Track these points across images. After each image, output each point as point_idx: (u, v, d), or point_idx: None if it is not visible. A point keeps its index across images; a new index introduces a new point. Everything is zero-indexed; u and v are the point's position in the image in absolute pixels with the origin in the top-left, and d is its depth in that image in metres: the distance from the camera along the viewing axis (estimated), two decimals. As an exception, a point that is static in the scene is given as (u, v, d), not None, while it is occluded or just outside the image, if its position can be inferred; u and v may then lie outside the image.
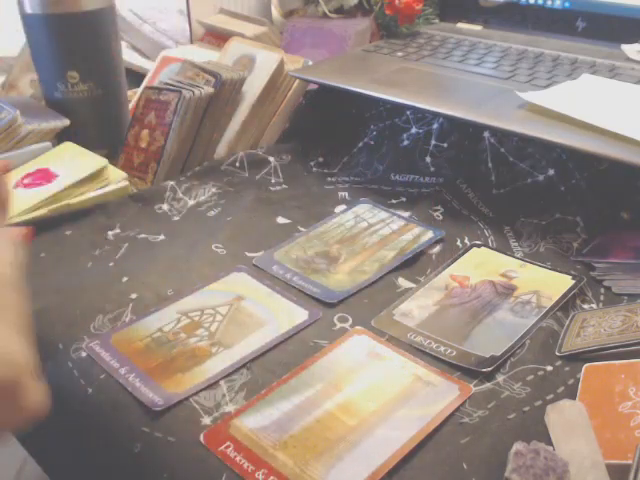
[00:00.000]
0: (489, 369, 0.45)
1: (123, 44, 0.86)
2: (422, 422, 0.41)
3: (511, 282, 0.54)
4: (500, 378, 0.45)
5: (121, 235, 0.62)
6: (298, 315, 0.51)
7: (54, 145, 0.70)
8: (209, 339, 0.48)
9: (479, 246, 0.60)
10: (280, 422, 0.41)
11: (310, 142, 0.78)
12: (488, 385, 0.45)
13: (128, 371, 0.46)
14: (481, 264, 0.57)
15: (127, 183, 0.67)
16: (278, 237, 0.62)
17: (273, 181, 0.72)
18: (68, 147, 0.70)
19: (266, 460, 0.39)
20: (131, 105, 0.80)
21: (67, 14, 0.68)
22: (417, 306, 0.52)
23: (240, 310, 0.52)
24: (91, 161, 0.66)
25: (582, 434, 0.38)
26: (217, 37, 0.94)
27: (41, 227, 0.60)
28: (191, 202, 0.67)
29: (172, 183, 0.69)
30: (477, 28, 0.90)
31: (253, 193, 0.69)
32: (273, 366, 0.46)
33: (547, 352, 0.47)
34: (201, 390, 0.44)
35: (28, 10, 0.68)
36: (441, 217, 0.65)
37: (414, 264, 0.58)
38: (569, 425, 0.39)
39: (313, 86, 0.79)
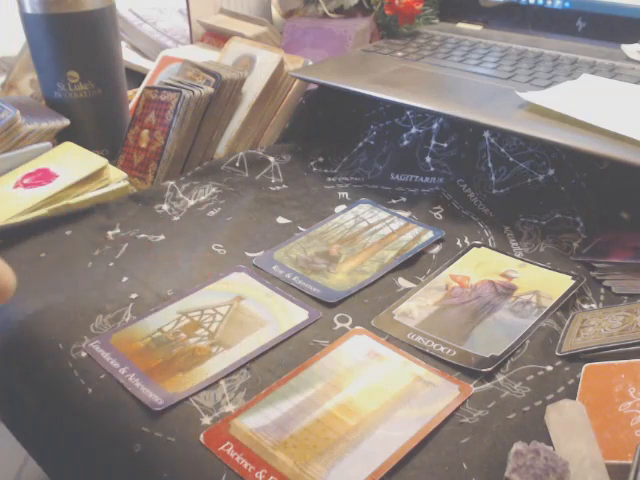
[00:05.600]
0: (489, 369, 0.45)
1: (123, 44, 0.86)
2: (422, 422, 0.41)
3: (511, 282, 0.54)
4: (500, 378, 0.45)
5: (121, 235, 0.62)
6: (298, 315, 0.51)
7: (54, 145, 0.70)
8: (209, 339, 0.48)
9: (479, 246, 0.60)
10: (280, 422, 0.41)
11: (310, 142, 0.78)
12: (488, 385, 0.45)
13: (128, 371, 0.46)
14: (481, 264, 0.57)
15: (127, 183, 0.67)
16: (278, 237, 0.62)
17: (273, 181, 0.72)
18: (68, 147, 0.70)
19: (266, 460, 0.39)
20: (131, 105, 0.80)
21: (67, 14, 0.68)
22: (417, 306, 0.52)
23: (240, 310, 0.52)
24: (91, 161, 0.66)
25: (582, 434, 0.38)
26: (217, 37, 0.94)
27: (41, 227, 0.60)
28: (191, 202, 0.67)
29: (172, 183, 0.68)
30: (477, 28, 0.90)
31: (253, 193, 0.69)
32: (273, 366, 0.46)
33: (547, 352, 0.47)
34: (201, 390, 0.44)
35: (28, 10, 0.68)
36: (441, 217, 0.65)
37: (414, 264, 0.58)
38: (569, 425, 0.39)
39: (313, 86, 0.79)
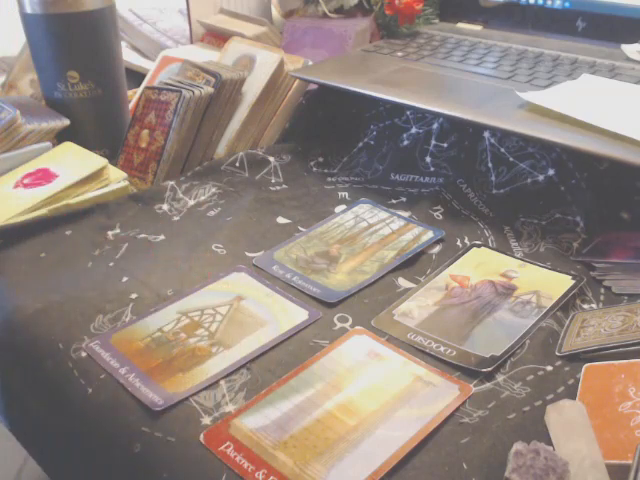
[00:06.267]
0: (489, 369, 0.45)
1: (123, 44, 0.86)
2: (422, 422, 0.41)
3: (511, 282, 0.54)
4: (500, 378, 0.45)
5: (121, 235, 0.62)
6: (298, 315, 0.51)
7: (54, 145, 0.70)
8: (209, 339, 0.48)
9: (479, 246, 0.60)
10: (280, 422, 0.42)
11: (310, 142, 0.78)
12: (488, 385, 0.45)
13: (128, 371, 0.46)
14: (481, 264, 0.57)
15: (127, 183, 0.67)
16: (278, 237, 0.62)
17: (273, 181, 0.72)
18: (68, 147, 0.70)
19: (266, 460, 0.39)
20: (131, 105, 0.80)
21: (67, 14, 0.68)
22: (417, 306, 0.52)
23: (240, 310, 0.52)
24: (91, 161, 0.66)
25: (582, 434, 0.38)
26: (217, 37, 0.94)
27: (41, 227, 0.60)
28: (191, 202, 0.67)
29: (172, 183, 0.68)
30: (477, 28, 0.90)
31: (253, 193, 0.69)
32: (273, 366, 0.46)
33: (547, 352, 0.47)
34: (201, 390, 0.44)
35: (28, 10, 0.68)
36: (441, 217, 0.65)
37: (414, 264, 0.58)
38: (569, 425, 0.39)
39: (313, 86, 0.79)
